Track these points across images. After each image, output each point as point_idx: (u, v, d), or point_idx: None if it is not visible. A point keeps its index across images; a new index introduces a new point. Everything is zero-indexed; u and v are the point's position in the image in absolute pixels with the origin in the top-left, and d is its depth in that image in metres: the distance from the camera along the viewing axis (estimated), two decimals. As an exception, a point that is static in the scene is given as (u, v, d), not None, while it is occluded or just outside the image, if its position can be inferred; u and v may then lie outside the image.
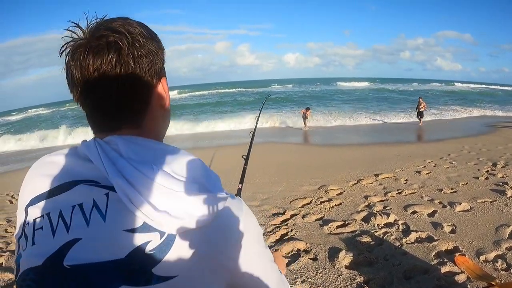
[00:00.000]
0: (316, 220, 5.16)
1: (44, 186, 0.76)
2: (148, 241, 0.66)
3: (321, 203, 5.86)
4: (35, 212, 0.75)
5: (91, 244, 0.67)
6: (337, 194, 6.29)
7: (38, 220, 0.73)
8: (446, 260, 3.64)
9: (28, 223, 0.75)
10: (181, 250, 0.67)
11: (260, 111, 3.41)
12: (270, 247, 4.36)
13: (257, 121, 3.09)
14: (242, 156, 2.44)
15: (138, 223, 0.67)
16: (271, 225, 5.08)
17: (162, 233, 0.67)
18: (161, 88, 0.83)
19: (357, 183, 6.86)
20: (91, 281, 0.65)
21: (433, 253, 3.83)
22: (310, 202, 5.96)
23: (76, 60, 0.73)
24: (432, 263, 3.63)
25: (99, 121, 0.80)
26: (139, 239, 0.66)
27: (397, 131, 16.71)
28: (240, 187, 2.15)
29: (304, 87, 65.51)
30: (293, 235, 4.65)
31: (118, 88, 0.74)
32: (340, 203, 5.78)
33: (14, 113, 57.89)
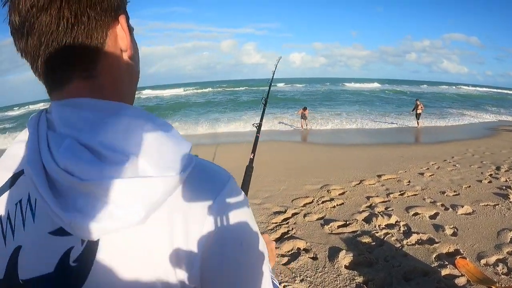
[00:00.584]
0: (317, 219, 5.15)
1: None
2: (70, 247, 0.53)
3: (323, 202, 5.85)
4: None
5: (29, 252, 0.56)
6: (339, 194, 6.28)
7: None
8: (446, 262, 3.63)
9: None
10: (111, 261, 0.53)
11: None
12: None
13: (270, 84, 2.70)
14: (253, 124, 2.37)
15: (56, 224, 0.54)
16: (272, 223, 5.07)
17: (82, 240, 0.53)
18: (120, 29, 0.65)
19: (359, 183, 6.84)
20: None
21: (434, 255, 3.82)
22: (312, 201, 5.95)
23: (13, 1, 0.59)
24: (433, 265, 3.62)
25: (45, 75, 0.62)
26: (61, 245, 0.54)
27: (402, 133, 16.64)
28: (252, 156, 2.13)
29: (311, 87, 65.06)
30: (294, 233, 4.65)
31: (59, 25, 0.57)
32: (342, 203, 5.76)
33: (15, 108, 57.78)
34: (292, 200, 6.02)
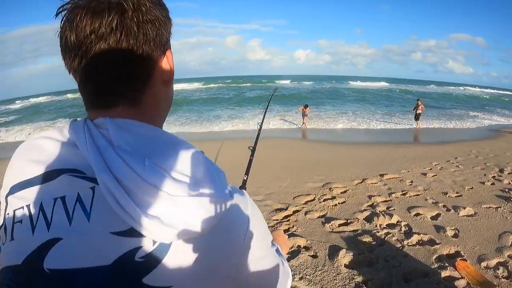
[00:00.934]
0: (318, 217, 5.15)
1: (26, 173, 0.69)
2: (138, 247, 0.59)
3: (324, 200, 5.84)
4: (15, 202, 0.68)
5: (73, 246, 0.59)
6: (341, 192, 6.27)
7: (18, 212, 0.66)
8: (447, 264, 3.61)
9: (8, 213, 0.68)
10: (176, 260, 0.60)
11: (268, 103, 3.33)
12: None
13: (265, 113, 3.03)
14: (248, 147, 2.38)
15: (126, 227, 0.59)
16: (273, 220, 5.08)
17: (153, 241, 0.59)
18: (165, 62, 0.74)
19: (361, 182, 6.83)
20: None
21: (434, 257, 3.81)
22: (314, 199, 5.94)
23: (71, 21, 0.64)
24: (433, 266, 3.60)
25: (92, 94, 0.69)
26: (127, 244, 0.59)
27: (406, 133, 16.62)
28: (245, 178, 2.12)
29: (317, 84, 64.26)
30: (295, 231, 4.64)
31: (116, 54, 0.65)
32: (344, 202, 5.76)
33: (17, 102, 57.66)
34: (294, 198, 6.01)
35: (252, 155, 2.30)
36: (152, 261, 0.58)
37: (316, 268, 3.69)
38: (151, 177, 0.59)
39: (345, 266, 3.72)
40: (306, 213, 5.29)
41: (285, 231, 4.68)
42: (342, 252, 3.94)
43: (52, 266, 0.59)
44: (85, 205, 0.61)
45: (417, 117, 18.84)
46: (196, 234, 0.60)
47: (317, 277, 3.53)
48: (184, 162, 0.63)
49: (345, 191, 6.32)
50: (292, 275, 3.55)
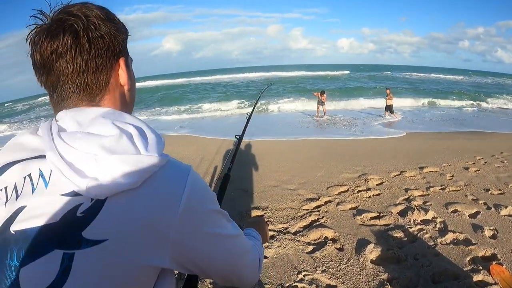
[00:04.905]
0: (350, 209, 5.02)
1: (5, 160, 0.80)
2: (79, 203, 0.68)
3: (358, 192, 5.69)
4: None
5: (33, 210, 0.70)
6: (377, 184, 6.07)
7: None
8: (480, 267, 3.38)
9: None
10: (111, 214, 0.68)
11: (259, 96, 3.36)
12: (298, 232, 4.28)
13: (255, 105, 3.08)
14: (235, 136, 2.31)
15: (71, 188, 0.70)
16: (303, 209, 5.01)
17: (91, 198, 0.69)
18: (120, 69, 0.86)
19: (399, 174, 6.59)
20: (31, 244, 0.68)
21: (468, 258, 3.58)
22: (347, 190, 5.80)
23: (36, 44, 0.78)
24: (465, 269, 3.39)
25: (57, 104, 0.83)
26: (71, 203, 0.69)
27: (450, 123, 15.81)
28: (230, 166, 2.06)
29: (378, 74, 58.04)
30: (324, 222, 4.55)
31: (73, 69, 0.78)
32: (378, 194, 5.58)
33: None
34: (327, 188, 5.89)
35: (238, 144, 2.22)
36: (90, 216, 0.67)
37: (341, 261, 3.59)
38: (81, 145, 0.71)
39: (371, 261, 3.60)
40: (338, 204, 5.17)
41: (314, 221, 4.61)
42: (370, 247, 3.81)
43: (16, 228, 0.70)
44: (45, 177, 0.73)
45: (388, 109, 17.38)
46: (124, 188, 0.69)
47: (340, 271, 3.42)
48: (113, 128, 0.73)
49: (381, 183, 6.11)
50: (315, 267, 3.48)
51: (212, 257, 0.83)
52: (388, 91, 17.58)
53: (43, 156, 0.75)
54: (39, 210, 0.70)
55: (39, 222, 0.69)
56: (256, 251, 1.04)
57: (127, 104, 0.93)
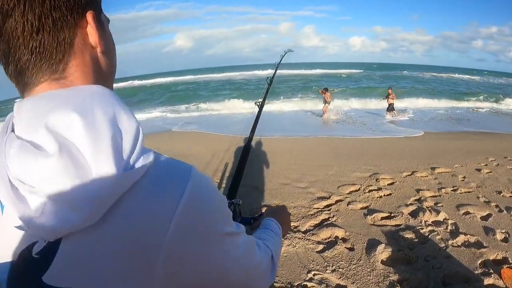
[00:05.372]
0: (361, 208, 5.02)
1: None
2: (33, 242, 0.56)
3: (369, 191, 5.67)
4: None
5: None
6: (388, 184, 6.05)
7: None
8: (491, 271, 3.36)
9: None
10: (68, 259, 0.55)
11: (281, 59, 3.17)
12: (308, 231, 4.30)
13: (276, 68, 2.89)
14: (255, 102, 2.26)
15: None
16: (314, 208, 5.01)
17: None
18: (89, 26, 0.66)
19: (411, 174, 6.55)
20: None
21: (479, 261, 3.56)
22: (358, 190, 5.79)
23: None
24: (476, 272, 3.38)
25: (14, 78, 0.65)
26: (25, 239, 0.57)
27: (463, 123, 15.63)
28: (251, 136, 2.00)
29: (391, 73, 56.91)
30: (334, 221, 4.55)
31: (24, 28, 0.59)
32: (390, 194, 5.56)
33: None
34: (338, 187, 5.89)
35: (259, 111, 2.19)
36: (46, 259, 0.55)
37: (351, 261, 3.60)
38: (15, 168, 0.54)
39: (382, 262, 3.60)
40: (348, 203, 5.17)
41: (325, 220, 4.62)
42: (381, 247, 3.80)
43: None
44: (1, 199, 0.57)
45: (390, 108, 16.87)
46: (75, 228, 0.53)
47: (350, 271, 3.43)
48: (52, 139, 0.54)
49: (392, 183, 6.09)
50: (324, 267, 3.49)
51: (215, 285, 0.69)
52: (390, 90, 17.21)
53: None
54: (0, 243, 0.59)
55: (3, 257, 0.58)
56: (267, 258, 0.87)
57: (103, 72, 0.72)
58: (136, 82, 50.00)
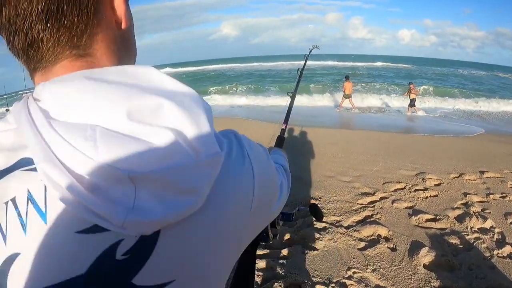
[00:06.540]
0: (405, 208, 4.99)
1: None
2: (115, 241, 0.47)
3: (415, 191, 5.61)
4: None
5: (35, 260, 0.47)
6: (435, 185, 5.95)
7: None
8: (537, 287, 3.30)
9: None
10: (171, 252, 0.49)
11: (310, 52, 3.15)
12: (350, 227, 4.33)
13: (306, 59, 2.87)
14: (287, 93, 2.29)
15: (88, 222, 0.47)
16: (358, 203, 5.03)
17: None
18: None
19: (458, 176, 6.39)
20: None
21: (525, 275, 3.50)
22: (404, 188, 5.74)
23: None
24: (521, 285, 3.32)
25: (26, 52, 0.53)
26: (102, 242, 0.47)
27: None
28: (284, 127, 2.00)
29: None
30: (378, 219, 4.56)
31: None
32: (436, 195, 5.48)
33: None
34: (383, 183, 5.86)
35: (291, 102, 2.20)
36: (139, 257, 0.48)
37: (393, 262, 3.62)
38: (105, 153, 0.45)
39: (424, 266, 3.60)
40: (393, 201, 5.15)
41: (368, 217, 4.64)
42: (424, 250, 3.79)
43: None
44: (38, 204, 0.48)
45: (411, 104, 16.57)
46: (185, 215, 0.49)
47: (391, 272, 3.46)
48: (146, 116, 0.48)
49: (439, 184, 5.99)
50: (365, 265, 3.52)
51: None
52: (411, 86, 16.76)
53: (26, 163, 0.50)
54: (44, 261, 0.47)
55: (51, 279, 0.46)
56: (286, 181, 0.93)
57: (129, 53, 0.64)
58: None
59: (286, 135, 2.01)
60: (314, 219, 1.53)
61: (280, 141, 1.87)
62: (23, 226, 0.48)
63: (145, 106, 0.47)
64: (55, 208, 0.47)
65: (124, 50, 0.61)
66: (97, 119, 0.46)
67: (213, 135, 0.51)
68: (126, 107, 0.46)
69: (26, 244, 0.47)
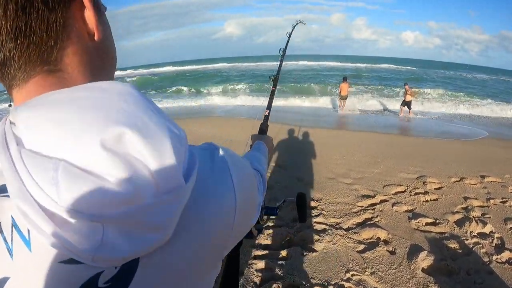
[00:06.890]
0: (406, 211, 4.99)
1: None
2: (97, 272, 0.47)
3: (415, 194, 5.61)
4: None
5: (24, 285, 0.47)
6: (435, 189, 5.95)
7: None
8: (535, 293, 3.31)
9: None
10: (152, 273, 0.50)
11: (293, 29, 2.90)
12: (350, 229, 4.34)
13: (288, 40, 2.66)
14: (269, 76, 2.16)
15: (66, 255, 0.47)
16: (358, 206, 5.04)
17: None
18: (84, 8, 0.56)
19: (459, 180, 6.39)
20: None
21: (523, 281, 3.50)
22: (404, 191, 5.74)
23: None
24: (519, 292, 3.33)
25: (2, 70, 0.53)
26: (84, 272, 0.47)
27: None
28: (267, 113, 1.91)
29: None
30: (377, 221, 4.57)
31: (7, 9, 0.48)
32: (436, 199, 5.48)
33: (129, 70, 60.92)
34: (384, 186, 5.87)
35: (274, 86, 2.10)
36: (120, 283, 0.48)
37: (391, 265, 3.62)
38: (63, 200, 0.44)
39: (423, 270, 3.60)
40: (393, 204, 5.16)
41: (368, 219, 4.64)
42: (423, 254, 3.80)
43: None
44: (22, 231, 0.48)
45: (406, 104, 16.06)
46: (156, 246, 0.49)
47: (389, 275, 3.47)
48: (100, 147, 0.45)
49: (439, 188, 5.99)
50: (363, 268, 3.54)
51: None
52: (406, 87, 16.34)
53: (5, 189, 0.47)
54: (33, 286, 0.47)
55: None
56: (258, 177, 0.97)
57: (104, 65, 0.63)
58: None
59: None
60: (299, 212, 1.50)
61: (263, 128, 1.79)
62: (9, 251, 0.48)
63: (109, 136, 0.45)
64: (37, 238, 0.46)
65: (99, 62, 0.60)
66: (63, 153, 0.45)
67: (176, 166, 0.49)
68: (88, 139, 0.45)
69: (14, 268, 0.47)
